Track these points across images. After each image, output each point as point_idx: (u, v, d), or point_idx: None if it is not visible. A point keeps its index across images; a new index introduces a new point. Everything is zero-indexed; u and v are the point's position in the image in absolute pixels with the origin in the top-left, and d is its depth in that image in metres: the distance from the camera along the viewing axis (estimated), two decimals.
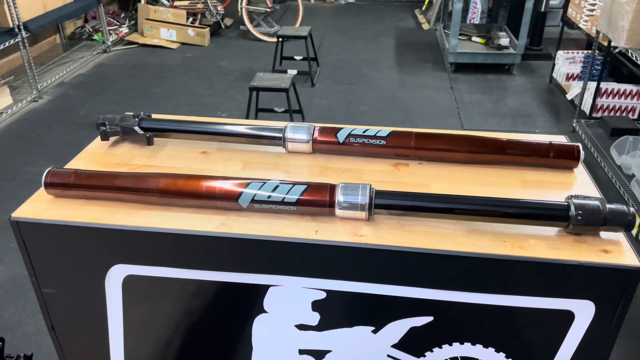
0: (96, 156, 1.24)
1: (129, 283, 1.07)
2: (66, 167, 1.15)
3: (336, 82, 5.11)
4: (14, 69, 5.14)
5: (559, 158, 1.15)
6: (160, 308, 1.12)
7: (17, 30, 4.39)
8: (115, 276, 1.07)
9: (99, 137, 1.27)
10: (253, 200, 1.02)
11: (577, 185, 1.12)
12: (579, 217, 0.93)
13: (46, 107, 4.58)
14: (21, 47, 4.49)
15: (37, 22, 4.63)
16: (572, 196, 0.96)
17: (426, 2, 7.35)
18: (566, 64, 4.86)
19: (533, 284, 0.95)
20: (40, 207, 1.06)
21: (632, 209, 0.94)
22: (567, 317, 0.97)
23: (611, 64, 4.49)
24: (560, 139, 1.22)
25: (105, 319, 1.12)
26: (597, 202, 0.94)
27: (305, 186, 1.02)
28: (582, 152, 1.15)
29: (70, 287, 1.10)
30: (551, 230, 0.98)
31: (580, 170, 1.17)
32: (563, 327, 0.98)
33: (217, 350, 1.16)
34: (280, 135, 1.22)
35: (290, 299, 1.05)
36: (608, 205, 0.94)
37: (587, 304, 0.95)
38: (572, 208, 0.94)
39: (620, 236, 0.97)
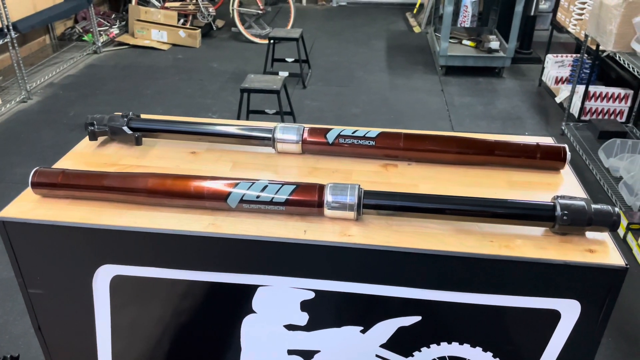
0: (84, 156, 1.23)
1: (117, 283, 1.07)
2: (54, 167, 1.14)
3: (328, 84, 5.12)
4: (3, 70, 5.09)
5: (546, 159, 1.16)
6: (148, 308, 1.11)
7: (6, 30, 4.35)
8: (103, 276, 1.06)
9: (87, 137, 1.26)
10: (242, 200, 1.02)
11: (564, 186, 1.13)
12: (565, 217, 0.94)
13: (35, 108, 4.54)
14: (10, 48, 4.45)
15: (27, 22, 4.59)
16: (558, 196, 0.97)
17: (417, 5, 7.38)
18: (555, 67, 4.90)
19: (520, 284, 0.96)
20: (27, 207, 1.05)
21: (617, 209, 0.95)
22: (553, 317, 0.98)
23: (599, 68, 4.54)
24: (547, 141, 1.23)
25: (92, 319, 1.12)
26: (582, 203, 0.95)
27: (294, 186, 1.02)
28: (568, 153, 1.16)
29: (57, 287, 1.09)
30: (537, 230, 0.99)
31: (567, 171, 1.18)
32: (549, 326, 0.99)
33: (205, 351, 1.15)
34: (270, 135, 1.22)
35: (278, 299, 1.05)
36: (593, 206, 0.95)
37: (573, 303, 0.96)
38: (558, 208, 0.95)
39: (605, 236, 0.98)
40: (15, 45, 4.47)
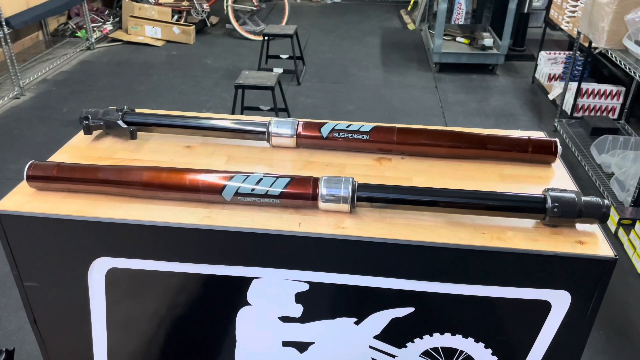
0: (79, 150, 1.23)
1: (112, 276, 1.07)
2: (49, 160, 1.15)
3: (322, 81, 5.12)
4: None
5: (537, 153, 1.18)
6: (143, 301, 1.12)
7: None
8: (98, 269, 1.07)
9: (82, 131, 1.27)
10: (237, 193, 1.02)
11: (555, 179, 1.15)
12: (555, 209, 0.95)
13: (28, 104, 4.52)
14: (3, 44, 4.42)
15: (20, 18, 4.56)
16: (549, 189, 0.99)
17: (412, 3, 7.40)
18: (548, 64, 4.93)
19: (511, 275, 0.97)
20: (23, 199, 1.06)
21: (606, 202, 0.97)
22: (544, 307, 0.99)
23: (592, 65, 4.57)
24: (539, 135, 1.24)
25: (88, 312, 1.12)
26: (572, 195, 0.97)
27: (289, 179, 1.03)
28: (559, 147, 1.18)
29: (53, 280, 1.10)
30: (529, 223, 1.00)
31: (558, 165, 1.19)
32: (540, 317, 1.00)
33: (200, 343, 1.16)
34: (265, 129, 1.23)
35: (273, 291, 1.06)
36: (583, 198, 0.97)
37: (563, 294, 0.97)
38: (549, 200, 0.96)
39: (595, 228, 0.99)
40: (8, 41, 4.45)
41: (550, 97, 4.61)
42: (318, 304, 1.06)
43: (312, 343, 1.12)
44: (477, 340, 1.06)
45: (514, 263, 0.96)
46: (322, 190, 1.01)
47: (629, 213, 2.97)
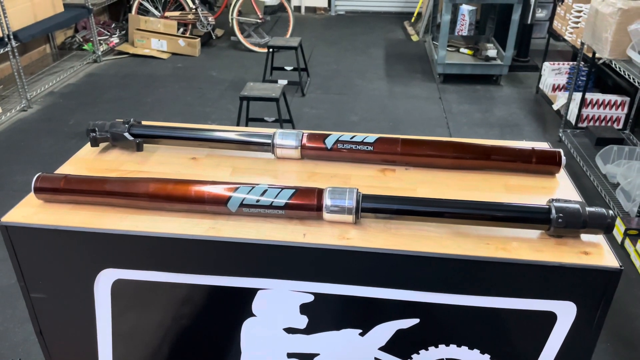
0: (86, 162, 1.25)
1: (118, 287, 1.08)
2: (56, 172, 1.16)
3: (326, 92, 5.15)
4: (3, 78, 5.12)
5: (541, 163, 1.18)
6: (149, 312, 1.12)
7: (6, 39, 4.38)
8: (104, 280, 1.07)
9: (89, 143, 1.28)
10: (242, 204, 1.03)
11: (559, 190, 1.15)
12: (560, 220, 0.96)
13: (35, 117, 4.56)
14: (11, 57, 4.47)
15: (27, 31, 4.62)
16: (553, 200, 0.99)
17: (415, 14, 7.44)
18: (552, 75, 4.93)
19: (516, 286, 0.97)
20: (30, 211, 1.07)
21: (611, 212, 0.97)
22: (549, 318, 0.99)
23: (596, 75, 4.57)
24: (543, 146, 1.25)
25: (93, 323, 1.13)
26: (577, 206, 0.97)
27: (294, 190, 1.04)
28: (563, 158, 1.18)
29: (59, 291, 1.11)
30: (533, 233, 1.00)
31: (562, 175, 1.19)
32: (546, 328, 1.00)
33: (205, 354, 1.16)
34: (269, 141, 1.24)
35: (278, 302, 1.06)
36: (588, 209, 0.97)
37: (569, 305, 0.97)
38: (553, 211, 0.96)
39: (600, 238, 0.99)
40: (16, 54, 4.50)
41: (555, 107, 4.61)
42: (323, 315, 1.07)
43: (317, 354, 1.11)
44: (482, 352, 1.05)
45: (519, 274, 0.96)
46: (327, 201, 1.02)
47: (635, 223, 2.96)
